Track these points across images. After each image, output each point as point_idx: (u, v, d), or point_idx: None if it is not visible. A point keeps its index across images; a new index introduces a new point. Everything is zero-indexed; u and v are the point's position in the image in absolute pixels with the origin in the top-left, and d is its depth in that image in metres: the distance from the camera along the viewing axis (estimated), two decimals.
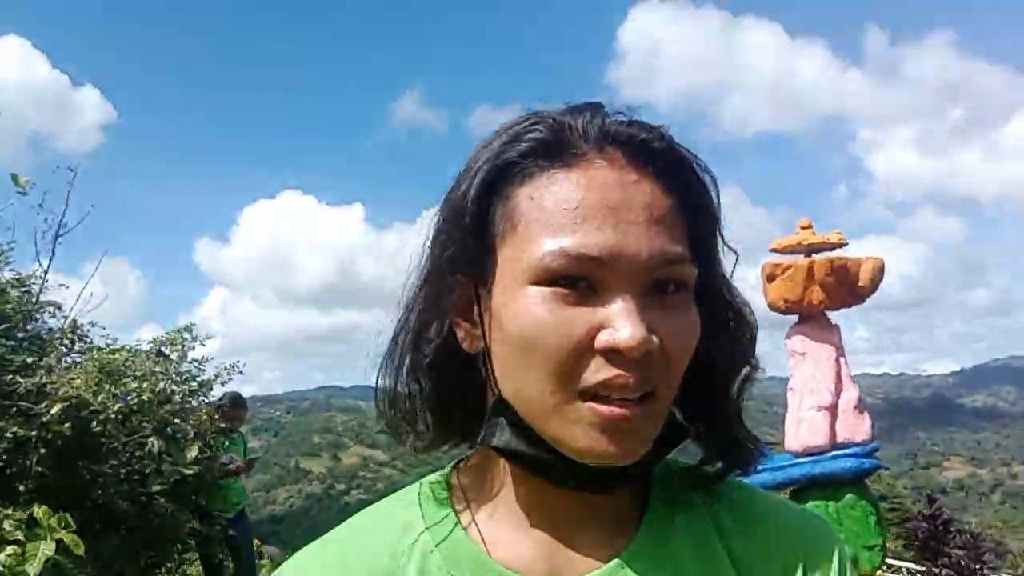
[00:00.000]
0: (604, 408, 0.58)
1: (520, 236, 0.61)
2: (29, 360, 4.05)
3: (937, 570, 8.23)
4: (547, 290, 0.59)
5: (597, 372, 0.58)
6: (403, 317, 0.70)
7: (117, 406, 3.96)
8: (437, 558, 0.65)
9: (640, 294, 0.59)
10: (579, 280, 0.59)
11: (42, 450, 3.77)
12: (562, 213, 0.59)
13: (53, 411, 3.63)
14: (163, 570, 5.60)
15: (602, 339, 0.58)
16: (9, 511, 3.19)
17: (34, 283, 4.97)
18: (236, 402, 6.09)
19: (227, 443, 5.79)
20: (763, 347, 0.71)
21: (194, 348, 5.48)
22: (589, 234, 0.58)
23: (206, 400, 5.65)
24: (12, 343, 4.36)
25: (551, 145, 0.62)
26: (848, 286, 7.69)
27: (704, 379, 0.67)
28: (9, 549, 2.94)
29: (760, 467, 0.72)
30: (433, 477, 0.73)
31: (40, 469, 3.79)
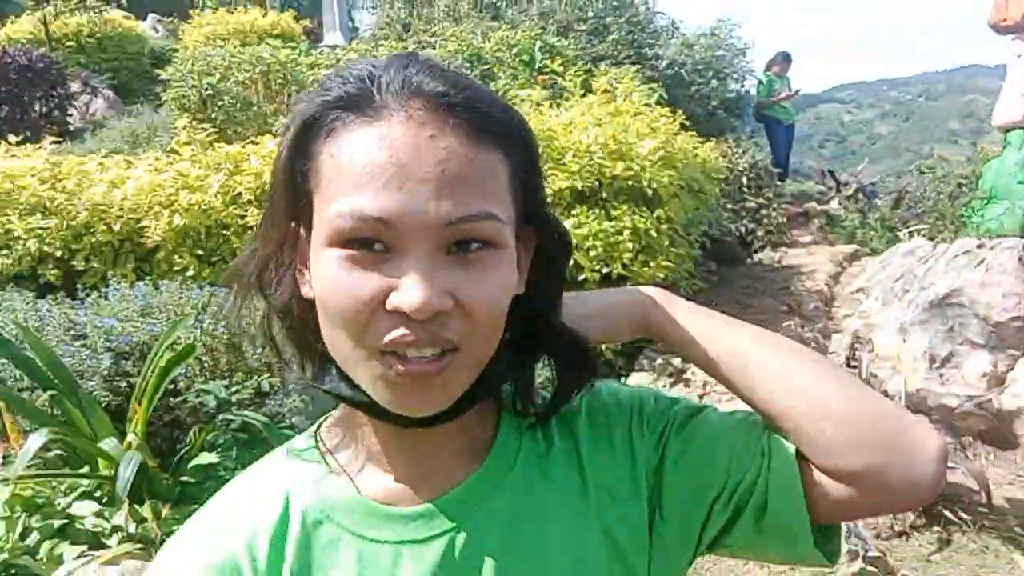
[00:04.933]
0: (399, 366, 0.59)
1: (322, 195, 0.60)
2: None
3: None
4: (341, 252, 0.58)
5: (388, 332, 0.58)
6: (254, 251, 0.67)
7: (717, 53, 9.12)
8: (314, 509, 0.67)
9: (436, 254, 0.58)
10: (373, 242, 0.58)
11: None
12: (355, 173, 0.57)
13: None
14: None
15: (391, 302, 0.57)
16: None
17: None
18: (786, 57, 10.06)
19: (779, 82, 9.95)
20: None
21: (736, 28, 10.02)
22: (374, 195, 0.57)
23: (745, 59, 10.30)
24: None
25: (355, 98, 0.60)
26: None
27: (533, 313, 0.69)
28: None
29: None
30: (300, 436, 0.74)
31: None
